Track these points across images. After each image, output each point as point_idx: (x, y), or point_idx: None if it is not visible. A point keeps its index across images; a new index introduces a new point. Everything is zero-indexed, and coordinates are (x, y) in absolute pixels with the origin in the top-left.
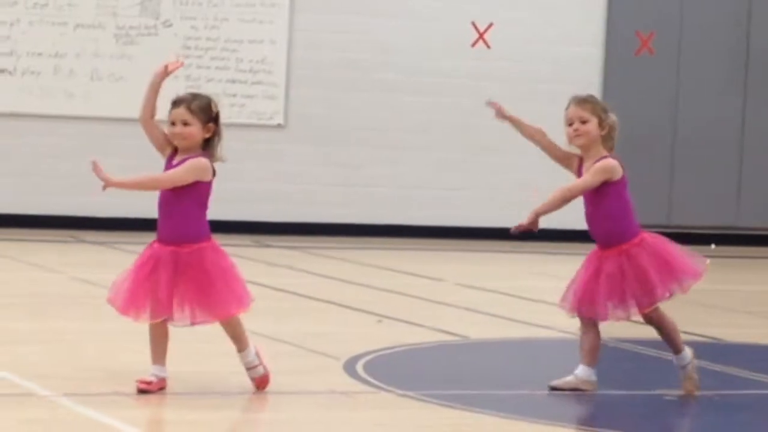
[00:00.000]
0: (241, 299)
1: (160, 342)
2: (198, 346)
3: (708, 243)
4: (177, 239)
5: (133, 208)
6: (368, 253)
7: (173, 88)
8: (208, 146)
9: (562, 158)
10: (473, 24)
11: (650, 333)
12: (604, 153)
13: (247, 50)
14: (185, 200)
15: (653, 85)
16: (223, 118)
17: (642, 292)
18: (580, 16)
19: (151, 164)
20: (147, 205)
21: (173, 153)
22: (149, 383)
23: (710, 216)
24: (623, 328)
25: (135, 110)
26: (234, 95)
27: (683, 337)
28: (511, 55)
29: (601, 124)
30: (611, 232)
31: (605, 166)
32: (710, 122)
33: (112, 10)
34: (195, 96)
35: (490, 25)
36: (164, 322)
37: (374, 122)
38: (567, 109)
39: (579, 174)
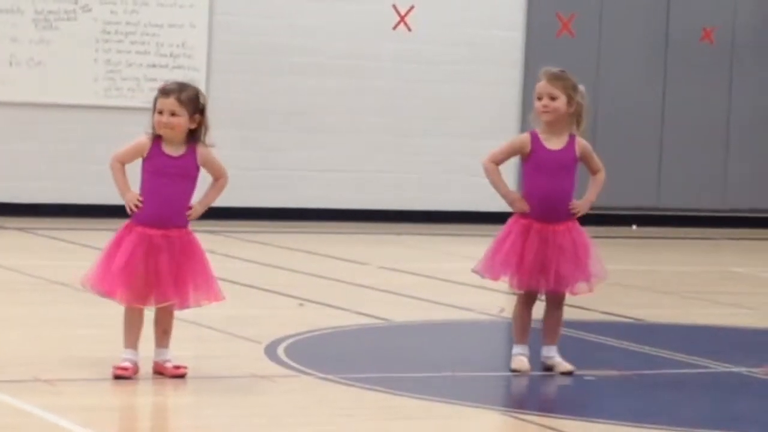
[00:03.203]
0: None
1: (136, 326)
2: (110, 331)
3: (629, 224)
4: (171, 224)
5: (53, 193)
6: (290, 236)
7: (91, 71)
8: (192, 136)
9: (514, 154)
10: (394, 7)
11: (570, 314)
12: (571, 131)
13: (167, 34)
14: (191, 188)
15: (574, 67)
16: (144, 103)
17: (577, 268)
18: None
19: (69, 149)
20: (66, 191)
21: (157, 141)
22: (125, 369)
23: (631, 197)
24: (540, 309)
25: (54, 95)
26: (154, 80)
27: (605, 317)
28: (433, 38)
29: (569, 101)
30: (567, 207)
31: (589, 147)
32: (631, 104)
33: None
34: (183, 86)
35: (411, 7)
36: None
37: (296, 106)
38: (538, 81)
39: (536, 147)
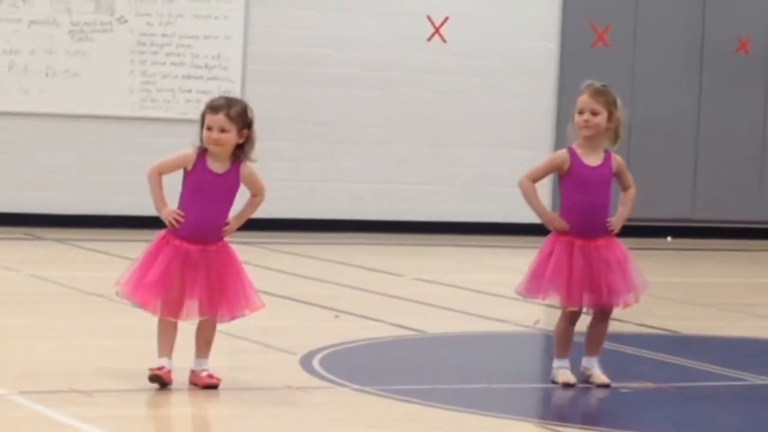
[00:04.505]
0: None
1: (170, 337)
2: (146, 342)
3: (664, 235)
4: (209, 239)
5: (89, 204)
6: (325, 248)
7: (127, 83)
8: (239, 151)
9: (552, 172)
10: (429, 18)
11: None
12: (606, 146)
13: (202, 46)
14: (230, 204)
15: (609, 77)
16: (179, 114)
17: (625, 280)
18: (535, 9)
19: (105, 160)
20: (101, 202)
21: (201, 155)
22: (161, 368)
23: (666, 208)
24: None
25: (89, 107)
26: (189, 91)
27: (640, 329)
28: (467, 49)
29: (610, 117)
30: (605, 222)
31: (624, 163)
32: (666, 114)
33: (67, 6)
34: (231, 102)
35: (446, 19)
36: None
37: (330, 117)
38: (580, 95)
39: (575, 164)
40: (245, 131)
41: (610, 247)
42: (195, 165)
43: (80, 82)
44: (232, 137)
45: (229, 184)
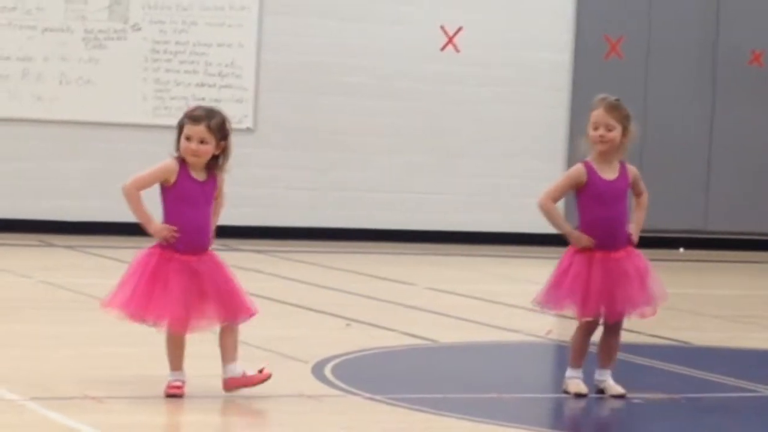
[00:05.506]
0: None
1: (180, 349)
2: (158, 349)
3: (677, 247)
4: (204, 249)
5: (101, 212)
6: (337, 256)
7: (140, 90)
8: (214, 161)
9: (571, 189)
10: (442, 28)
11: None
12: (619, 159)
13: (215, 54)
14: (211, 209)
15: (622, 89)
16: None
17: (643, 292)
18: (549, 20)
19: (118, 167)
20: (114, 209)
21: (184, 165)
22: (179, 387)
23: (679, 220)
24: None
25: (103, 114)
26: (203, 99)
27: (653, 340)
28: (481, 60)
29: (624, 132)
30: (624, 233)
31: (637, 171)
32: (679, 126)
33: (81, 14)
34: (212, 113)
35: (460, 29)
36: None
37: (343, 126)
38: (594, 109)
39: (593, 179)
40: (222, 143)
41: (630, 258)
42: (179, 176)
43: (94, 90)
44: (210, 149)
45: (211, 191)
